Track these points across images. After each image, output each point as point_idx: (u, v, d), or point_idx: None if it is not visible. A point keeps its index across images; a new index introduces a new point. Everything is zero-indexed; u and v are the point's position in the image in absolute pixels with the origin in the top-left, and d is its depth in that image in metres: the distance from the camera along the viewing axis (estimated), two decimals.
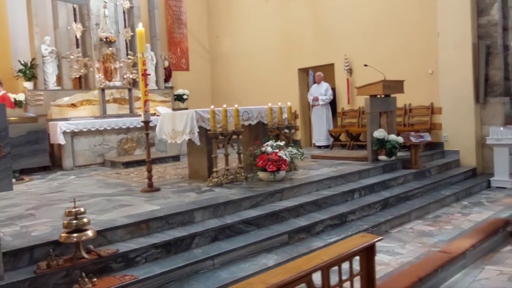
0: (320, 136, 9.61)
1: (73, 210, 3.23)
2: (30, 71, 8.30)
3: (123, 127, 8.55)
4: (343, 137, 9.38)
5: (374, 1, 8.74)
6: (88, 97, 8.64)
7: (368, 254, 2.73)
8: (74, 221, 3.21)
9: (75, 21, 8.91)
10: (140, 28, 5.10)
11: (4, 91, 7.81)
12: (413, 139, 6.68)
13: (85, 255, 3.23)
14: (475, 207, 5.87)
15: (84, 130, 8.07)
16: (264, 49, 11.11)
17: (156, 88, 10.29)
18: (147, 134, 5.27)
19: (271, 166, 5.27)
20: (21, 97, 8.09)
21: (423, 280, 3.51)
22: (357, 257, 2.70)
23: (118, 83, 9.10)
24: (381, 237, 2.84)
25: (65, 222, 3.21)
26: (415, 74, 8.11)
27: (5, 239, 3.41)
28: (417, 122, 8.35)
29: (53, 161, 8.26)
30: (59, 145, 7.86)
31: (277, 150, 5.42)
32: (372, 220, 4.99)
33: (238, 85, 11.94)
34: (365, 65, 7.46)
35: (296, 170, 6.28)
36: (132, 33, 9.75)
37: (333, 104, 9.80)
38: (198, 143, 5.46)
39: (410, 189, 6.02)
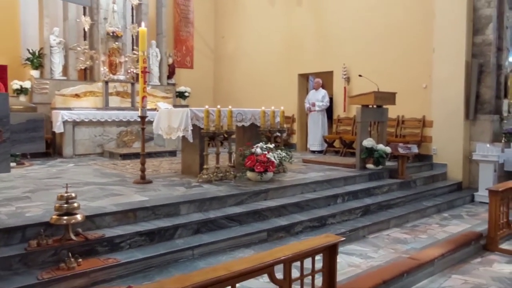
0: (314, 141, 9.84)
1: (65, 195, 3.49)
2: (37, 60, 8.59)
3: (124, 120, 8.82)
4: (337, 143, 9.61)
5: (376, 13, 8.96)
6: (92, 88, 8.92)
7: (330, 253, 2.96)
8: (65, 205, 3.47)
9: (84, 14, 9.18)
10: (142, 27, 5.36)
11: None
12: (401, 150, 6.89)
13: (73, 237, 3.48)
14: (454, 220, 6.09)
15: (86, 120, 8.36)
16: (267, 52, 11.36)
17: (159, 84, 10.56)
18: (143, 129, 5.53)
19: (258, 167, 5.52)
20: (27, 84, 8.39)
21: (388, 282, 3.74)
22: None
23: (121, 77, 9.38)
24: (343, 238, 3.08)
25: (56, 205, 3.47)
26: (409, 87, 8.34)
27: (1, 217, 3.68)
28: (409, 133, 8.56)
29: (54, 148, 8.57)
30: (61, 133, 8.16)
31: (266, 152, 5.67)
32: (351, 224, 5.22)
33: (240, 85, 12.19)
34: (360, 75, 7.69)
35: (285, 172, 6.51)
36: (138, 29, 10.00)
37: (330, 110, 10.04)
38: (191, 140, 5.72)
39: (392, 198, 6.25)
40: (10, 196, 4.59)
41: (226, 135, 5.86)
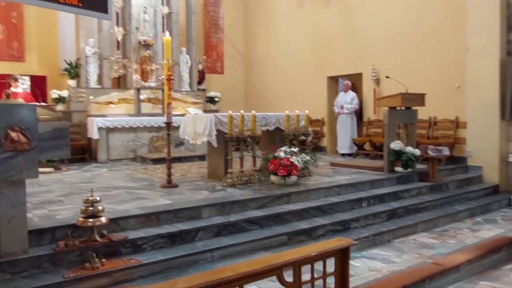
0: (344, 144, 9.75)
1: (90, 198, 3.68)
2: (74, 70, 9.05)
3: (155, 125, 9.11)
4: (367, 146, 9.48)
5: (405, 12, 8.80)
6: (124, 96, 9.28)
7: (342, 256, 2.96)
8: (90, 208, 3.65)
9: (117, 25, 9.59)
10: (167, 36, 5.54)
11: (24, 88, 8.54)
12: (431, 153, 6.71)
13: (98, 239, 3.66)
14: (487, 224, 5.86)
15: (119, 126, 8.71)
16: (296, 55, 11.38)
17: (189, 90, 10.82)
18: (168, 134, 5.71)
19: (281, 171, 5.55)
20: (64, 93, 8.86)
21: None
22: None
23: (153, 84, 9.69)
24: (355, 242, 3.06)
25: (82, 208, 3.66)
26: (441, 87, 8.11)
27: (34, 219, 3.93)
28: (442, 135, 8.32)
29: (90, 153, 8.98)
30: (96, 139, 8.54)
31: (289, 156, 5.69)
32: (375, 228, 5.15)
33: (270, 89, 12.27)
34: (387, 77, 7.56)
35: (311, 176, 6.50)
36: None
37: (360, 113, 9.92)
38: (215, 145, 5.84)
39: (421, 201, 6.09)
40: (45, 200, 4.88)
41: (250, 139, 5.94)
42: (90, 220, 3.63)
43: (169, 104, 5.58)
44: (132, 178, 6.57)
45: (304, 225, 4.82)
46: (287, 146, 5.97)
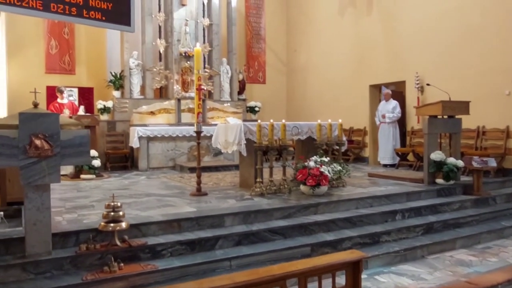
0: (385, 154, 9.40)
1: (112, 204, 3.79)
2: (118, 82, 9.48)
3: (194, 135, 9.23)
4: (410, 157, 9.07)
5: (450, 17, 8.39)
6: (165, 106, 9.58)
7: (354, 270, 2.82)
8: (112, 213, 3.77)
9: (160, 37, 9.95)
10: (197, 47, 5.66)
11: (69, 99, 9.01)
12: (475, 164, 6.28)
13: (119, 243, 3.75)
14: None
15: (159, 136, 8.97)
16: (338, 63, 11.20)
17: (230, 99, 10.96)
18: (198, 143, 5.79)
19: (310, 181, 5.44)
20: (109, 104, 9.29)
21: None
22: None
23: (192, 94, 9.91)
24: (368, 255, 2.91)
25: (104, 213, 3.78)
26: (489, 94, 7.62)
27: (62, 223, 4.11)
28: (491, 145, 7.78)
29: (132, 161, 9.32)
30: (137, 148, 8.85)
31: (319, 166, 5.57)
32: (408, 243, 4.87)
33: (312, 98, 12.15)
34: (428, 84, 7.22)
35: (344, 187, 6.31)
36: (210, 48, 10.57)
37: (403, 122, 9.54)
38: (245, 154, 5.84)
39: (463, 215, 5.71)
40: (78, 205, 5.10)
41: (280, 149, 5.88)
42: (111, 225, 3.74)
43: (199, 113, 5.67)
44: (166, 186, 6.72)
45: (330, 236, 4.66)
46: (318, 156, 5.85)
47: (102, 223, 3.76)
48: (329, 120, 6.39)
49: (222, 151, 6.51)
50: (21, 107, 9.09)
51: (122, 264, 3.58)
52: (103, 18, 3.62)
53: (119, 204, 3.82)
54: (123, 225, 3.77)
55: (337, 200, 5.36)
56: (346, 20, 10.98)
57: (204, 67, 10.42)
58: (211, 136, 8.73)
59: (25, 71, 9.53)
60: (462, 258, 4.77)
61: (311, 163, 5.63)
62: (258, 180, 5.74)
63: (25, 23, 9.47)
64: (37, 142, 3.23)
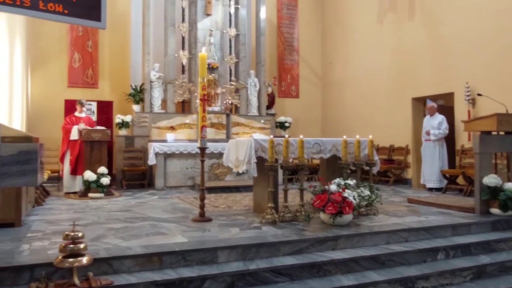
0: (431, 176, 8.23)
1: (71, 234, 3.13)
2: (138, 95, 9.04)
3: (215, 152, 8.60)
4: (460, 180, 7.86)
5: (505, 18, 7.24)
6: (186, 120, 9.00)
7: None
8: (71, 246, 3.09)
9: (183, 48, 9.46)
10: (202, 52, 5.00)
11: (89, 113, 8.66)
12: None
13: (77, 282, 3.06)
14: None
15: (177, 152, 8.37)
16: (377, 76, 10.24)
17: (257, 114, 10.24)
18: (202, 161, 5.07)
19: (329, 208, 4.54)
20: (128, 118, 8.84)
21: None
22: None
23: (216, 108, 9.31)
24: None
25: (61, 245, 3.12)
26: None
27: (23, 254, 3.49)
28: None
29: (149, 179, 8.78)
30: (154, 165, 8.30)
31: (341, 190, 4.66)
32: None
33: (348, 113, 11.22)
34: (479, 94, 6.12)
35: (375, 215, 5.34)
36: (236, 60, 9.96)
37: (452, 140, 8.36)
38: (255, 175, 5.07)
39: None
40: (61, 229, 4.47)
41: (297, 169, 5.04)
42: (69, 260, 3.06)
43: (203, 127, 4.97)
44: (172, 208, 6.04)
45: (349, 280, 3.73)
46: (342, 178, 4.94)
47: (59, 258, 3.09)
48: (357, 136, 5.48)
49: (233, 170, 5.75)
50: (41, 121, 9.01)
51: None
52: (65, 11, 3.03)
53: (79, 234, 3.14)
54: (84, 260, 3.08)
55: (361, 232, 4.40)
56: (386, 27, 10.02)
57: (230, 80, 9.80)
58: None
59: (47, 85, 9.37)
60: None
61: (333, 187, 4.73)
62: (269, 205, 4.91)
63: (49, 36, 9.35)
64: None
